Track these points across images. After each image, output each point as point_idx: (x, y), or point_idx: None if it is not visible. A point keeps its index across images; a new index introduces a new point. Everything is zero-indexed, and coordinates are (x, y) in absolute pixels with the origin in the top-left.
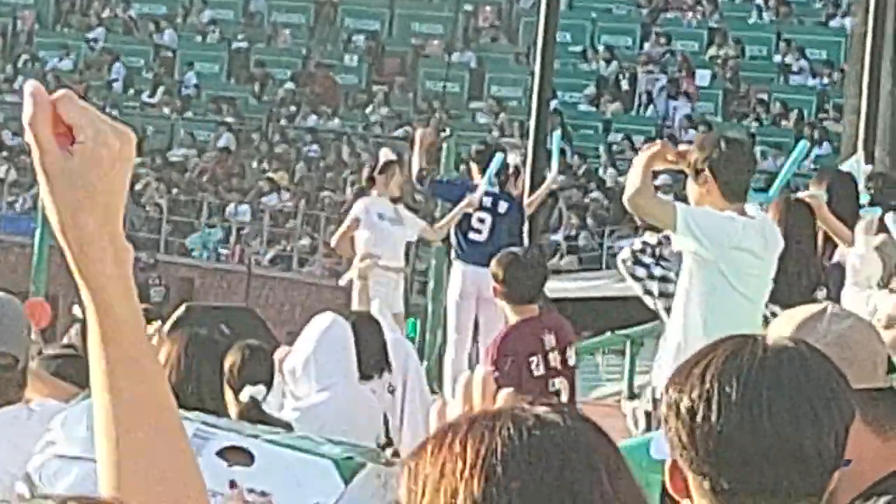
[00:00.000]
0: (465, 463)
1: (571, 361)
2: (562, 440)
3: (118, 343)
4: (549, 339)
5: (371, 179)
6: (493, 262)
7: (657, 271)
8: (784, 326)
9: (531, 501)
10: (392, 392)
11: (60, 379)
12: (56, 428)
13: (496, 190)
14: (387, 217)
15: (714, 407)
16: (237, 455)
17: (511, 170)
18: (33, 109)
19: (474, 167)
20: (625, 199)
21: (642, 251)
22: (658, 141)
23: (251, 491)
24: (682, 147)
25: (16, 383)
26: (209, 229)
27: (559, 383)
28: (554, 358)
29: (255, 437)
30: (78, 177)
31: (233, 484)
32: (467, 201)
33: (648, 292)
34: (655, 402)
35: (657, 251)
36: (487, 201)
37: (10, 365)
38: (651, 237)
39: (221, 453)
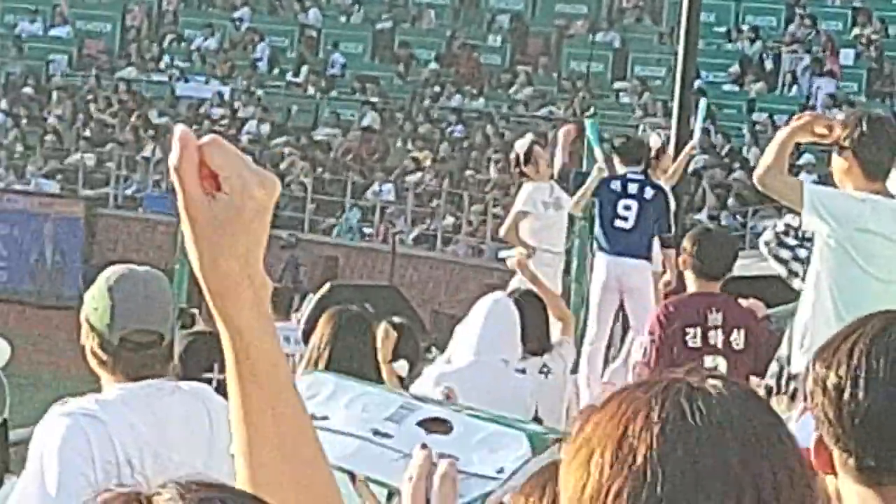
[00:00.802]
0: (646, 420)
1: (737, 345)
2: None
3: (257, 383)
4: (715, 317)
5: (521, 173)
6: (686, 236)
7: (802, 253)
8: None
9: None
10: (545, 374)
11: (186, 358)
12: (322, 404)
13: (641, 175)
14: (550, 204)
15: (862, 384)
16: (437, 425)
17: (652, 153)
18: (180, 154)
19: (616, 159)
20: (754, 176)
21: (785, 233)
22: (806, 113)
23: (440, 455)
24: (830, 121)
25: (161, 358)
26: (348, 213)
27: (716, 361)
28: (714, 335)
29: (460, 411)
30: (220, 224)
31: (423, 447)
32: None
33: (793, 273)
34: (780, 378)
35: (801, 233)
36: (633, 188)
37: (154, 342)
38: (794, 219)
39: (423, 423)
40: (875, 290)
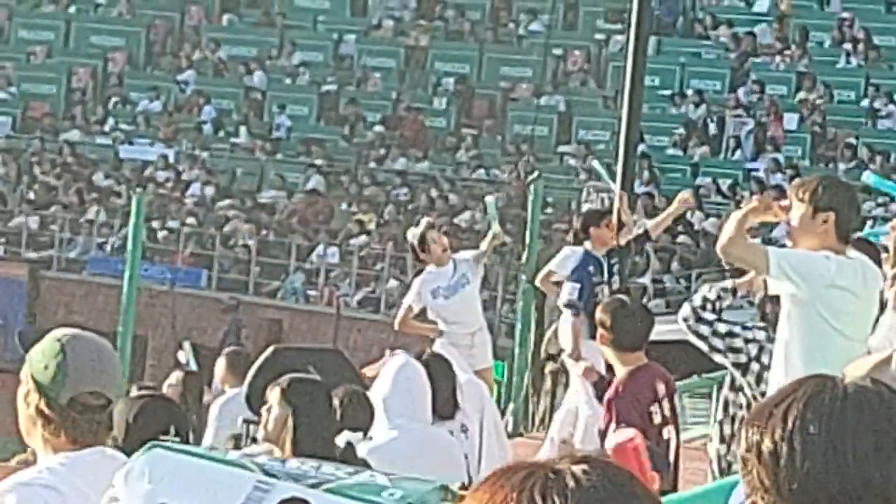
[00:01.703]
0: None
1: (677, 410)
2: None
3: None
4: (661, 388)
5: (419, 260)
6: (600, 309)
7: (721, 327)
8: (854, 372)
9: None
10: (465, 432)
11: (141, 421)
12: (119, 483)
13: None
14: (443, 288)
15: (798, 448)
16: None
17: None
18: None
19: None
20: (718, 247)
21: (702, 307)
22: (755, 196)
23: None
24: (782, 202)
25: (105, 425)
26: (293, 276)
27: (669, 432)
28: (665, 407)
29: (318, 485)
30: None
31: None
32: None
33: (714, 349)
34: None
35: (717, 305)
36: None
37: (102, 406)
38: (711, 291)
39: None
40: (842, 346)
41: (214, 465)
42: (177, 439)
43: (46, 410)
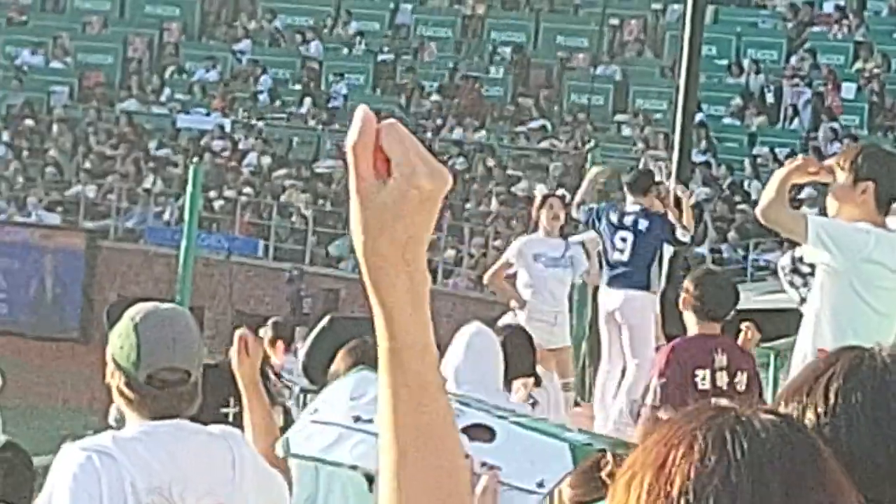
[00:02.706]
0: (687, 450)
1: (741, 387)
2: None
3: (403, 369)
4: (720, 359)
5: (532, 219)
6: (688, 276)
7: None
8: None
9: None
10: (533, 406)
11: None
12: (320, 398)
13: (637, 207)
14: (545, 257)
15: (843, 422)
16: (480, 432)
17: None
18: (358, 136)
19: (628, 194)
20: (757, 210)
21: (801, 259)
22: (800, 156)
23: (483, 464)
24: (826, 161)
25: (188, 397)
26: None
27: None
28: (720, 378)
29: (504, 417)
30: (385, 209)
31: (465, 456)
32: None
33: (805, 300)
34: None
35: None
36: (629, 220)
37: (182, 380)
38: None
39: (466, 430)
40: (874, 321)
41: None
42: (237, 409)
43: (126, 390)
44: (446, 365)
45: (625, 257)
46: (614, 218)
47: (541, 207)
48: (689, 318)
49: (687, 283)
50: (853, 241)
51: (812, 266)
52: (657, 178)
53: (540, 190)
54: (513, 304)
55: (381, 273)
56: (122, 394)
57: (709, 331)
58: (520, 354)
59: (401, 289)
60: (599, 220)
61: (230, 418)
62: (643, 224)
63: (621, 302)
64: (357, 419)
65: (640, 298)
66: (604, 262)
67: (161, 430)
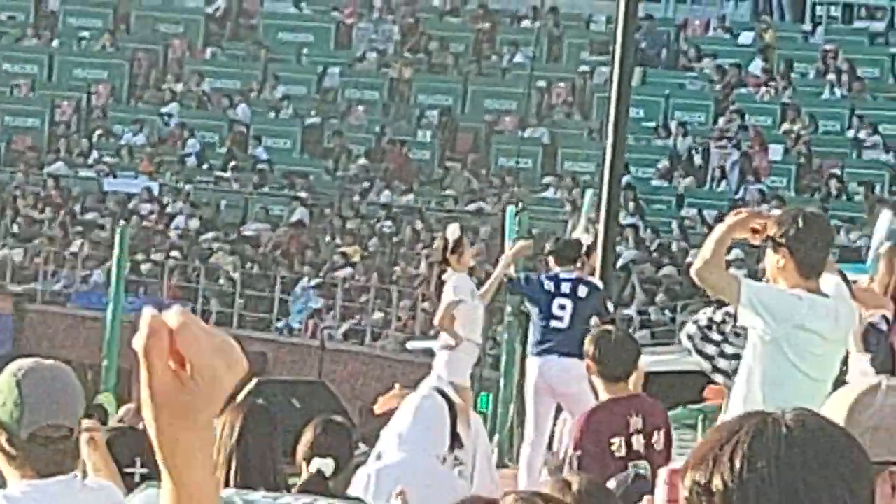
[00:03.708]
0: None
1: (659, 446)
2: None
3: None
4: (636, 422)
5: (445, 260)
6: (587, 339)
7: (728, 349)
8: (842, 401)
9: None
10: (459, 465)
11: (111, 452)
12: None
13: (573, 275)
14: (476, 294)
15: (751, 490)
16: None
17: (584, 249)
18: (149, 338)
19: (551, 259)
20: (692, 270)
21: (709, 328)
22: (743, 210)
23: None
24: (766, 217)
25: (70, 454)
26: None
27: (641, 466)
28: (637, 441)
29: None
30: (188, 406)
31: None
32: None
33: (718, 370)
34: None
35: (724, 328)
36: (566, 287)
37: (65, 437)
38: (716, 314)
39: None
40: (807, 388)
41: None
42: (144, 470)
43: (8, 447)
44: (394, 426)
45: (564, 324)
46: (550, 286)
47: (459, 248)
48: (598, 383)
49: (586, 348)
50: (785, 307)
51: (723, 333)
52: (587, 242)
53: (453, 231)
54: (449, 342)
55: (178, 456)
56: (3, 451)
57: (619, 392)
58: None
59: (198, 464)
60: (527, 287)
61: (136, 478)
62: (583, 291)
63: (559, 371)
64: None
65: (577, 367)
66: (537, 330)
67: (49, 489)
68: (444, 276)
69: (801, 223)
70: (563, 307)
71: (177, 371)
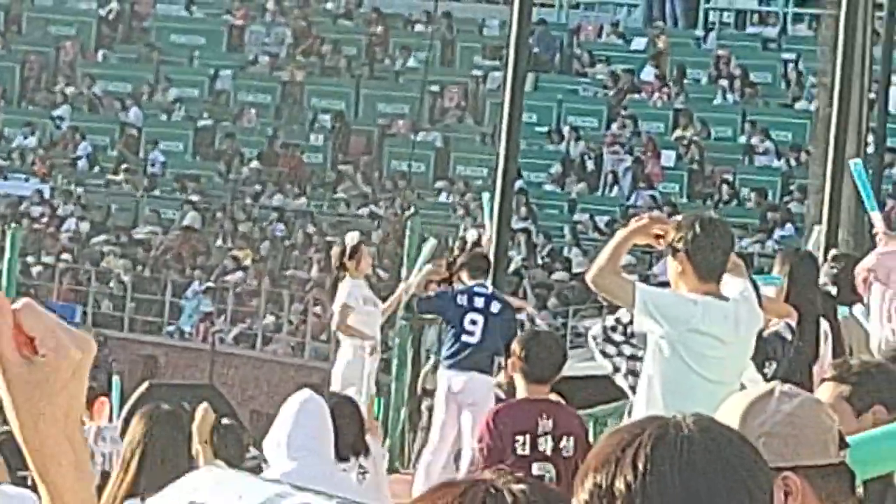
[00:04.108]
0: None
1: (567, 452)
2: None
3: None
4: (545, 423)
5: (342, 265)
6: (516, 339)
7: (627, 350)
8: (735, 407)
9: None
10: (363, 475)
11: (3, 455)
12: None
13: (487, 290)
14: (369, 300)
15: (654, 492)
16: None
17: (468, 246)
18: None
19: (464, 273)
20: (588, 275)
21: (613, 329)
22: (646, 214)
23: None
24: (667, 223)
25: None
26: (194, 300)
27: (545, 468)
28: (544, 442)
29: (332, 497)
30: (39, 387)
31: None
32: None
33: (617, 370)
34: None
35: (629, 329)
36: (480, 302)
37: None
38: (625, 315)
39: None
40: (705, 390)
41: (245, 476)
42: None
43: None
44: (275, 434)
45: (474, 339)
46: (463, 300)
47: (357, 254)
48: (519, 382)
49: (514, 346)
50: (679, 311)
51: (626, 334)
52: (472, 239)
53: (352, 238)
54: (366, 341)
55: (48, 455)
56: None
57: (536, 394)
58: (348, 425)
59: (65, 463)
60: (438, 303)
61: (28, 481)
62: (496, 306)
63: (464, 384)
64: None
65: (484, 382)
66: (449, 343)
67: None
68: (339, 283)
69: (698, 229)
70: (474, 322)
71: (23, 346)
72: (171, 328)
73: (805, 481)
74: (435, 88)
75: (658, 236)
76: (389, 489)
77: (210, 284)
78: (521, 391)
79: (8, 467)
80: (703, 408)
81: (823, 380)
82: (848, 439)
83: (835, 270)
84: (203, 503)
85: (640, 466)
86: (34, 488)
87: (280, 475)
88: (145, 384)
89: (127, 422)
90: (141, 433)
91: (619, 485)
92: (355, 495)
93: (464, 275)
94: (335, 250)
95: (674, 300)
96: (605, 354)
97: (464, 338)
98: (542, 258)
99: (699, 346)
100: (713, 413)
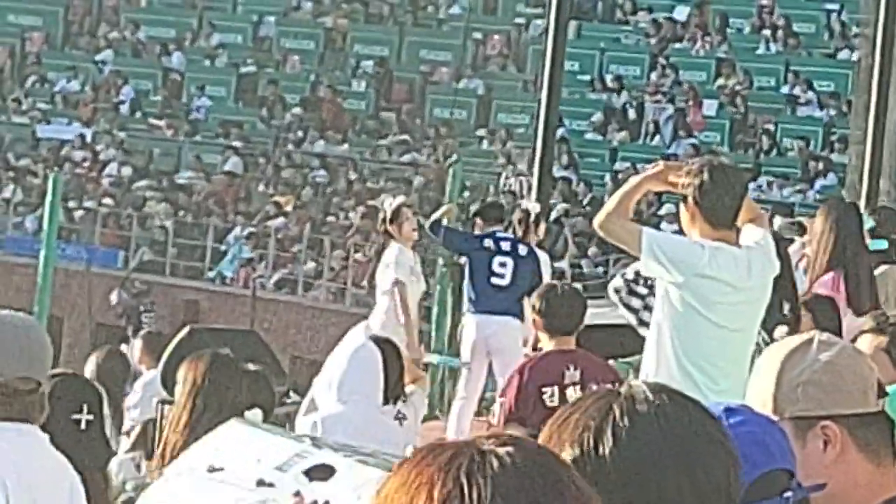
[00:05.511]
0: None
1: None
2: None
3: None
4: (572, 374)
5: (386, 231)
6: (534, 294)
7: (652, 301)
8: (774, 355)
9: None
10: (401, 420)
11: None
12: (219, 454)
13: (511, 234)
14: (413, 270)
15: (598, 463)
16: (320, 472)
17: (532, 218)
18: None
19: (479, 221)
20: (595, 221)
21: (635, 281)
22: (660, 162)
23: (314, 502)
24: (682, 169)
25: (39, 406)
26: (235, 246)
27: None
28: (572, 393)
29: (350, 456)
30: None
31: (297, 493)
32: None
33: (643, 322)
34: None
35: (650, 280)
36: (506, 245)
37: (34, 389)
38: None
39: (307, 471)
40: (715, 336)
41: (272, 435)
42: (90, 417)
43: None
44: (326, 376)
45: (505, 282)
46: (489, 243)
47: (398, 219)
48: (543, 337)
49: (533, 301)
50: (686, 256)
51: (649, 286)
52: (535, 211)
53: (390, 203)
54: (401, 317)
55: None
56: None
57: (562, 346)
58: (393, 371)
59: None
60: (462, 240)
61: (82, 425)
62: (523, 250)
63: (496, 328)
64: (260, 483)
65: (514, 326)
66: (476, 288)
67: (12, 427)
68: (386, 248)
69: (706, 175)
70: (503, 265)
71: None
72: (212, 273)
73: (844, 430)
74: (478, 36)
75: (673, 184)
76: (426, 436)
77: (252, 230)
78: (546, 344)
79: (62, 410)
80: (713, 353)
81: (862, 332)
82: (888, 388)
83: (877, 220)
84: (221, 468)
85: (587, 441)
86: (87, 430)
87: (325, 417)
88: (186, 329)
89: (169, 366)
90: (201, 380)
91: (568, 454)
92: (398, 441)
93: (478, 221)
94: (379, 216)
95: (680, 245)
96: (629, 308)
97: (493, 280)
98: (584, 207)
99: (707, 290)
100: (726, 359)
